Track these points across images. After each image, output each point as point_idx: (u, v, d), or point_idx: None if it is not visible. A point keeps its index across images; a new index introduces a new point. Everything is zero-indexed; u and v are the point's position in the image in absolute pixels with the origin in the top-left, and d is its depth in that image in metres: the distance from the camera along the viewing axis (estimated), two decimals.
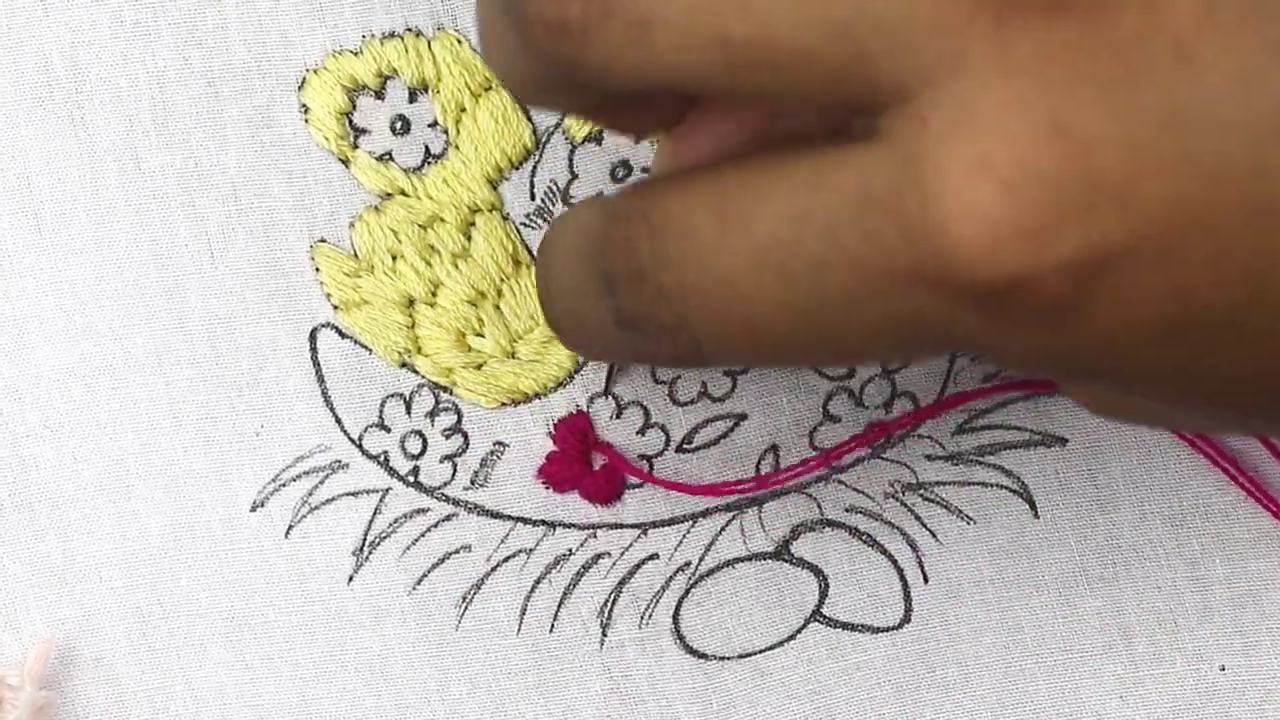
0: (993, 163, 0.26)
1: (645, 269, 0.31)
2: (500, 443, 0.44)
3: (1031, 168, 0.26)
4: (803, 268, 0.29)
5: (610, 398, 0.44)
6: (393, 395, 0.44)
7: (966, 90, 0.27)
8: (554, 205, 0.43)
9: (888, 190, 0.27)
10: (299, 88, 0.43)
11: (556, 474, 0.44)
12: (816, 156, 0.29)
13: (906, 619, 0.45)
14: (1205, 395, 0.29)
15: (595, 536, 0.44)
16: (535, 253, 0.42)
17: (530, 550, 0.44)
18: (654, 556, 0.44)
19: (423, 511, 0.44)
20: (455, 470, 0.44)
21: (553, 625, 0.44)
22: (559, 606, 0.44)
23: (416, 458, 0.44)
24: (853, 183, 0.28)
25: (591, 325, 0.34)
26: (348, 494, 0.44)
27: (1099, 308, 0.27)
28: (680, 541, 0.44)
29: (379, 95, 0.43)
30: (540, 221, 0.43)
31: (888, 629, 0.45)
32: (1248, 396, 0.29)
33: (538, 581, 0.44)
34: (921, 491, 0.44)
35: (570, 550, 0.44)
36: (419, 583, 0.44)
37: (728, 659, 0.44)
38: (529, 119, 0.43)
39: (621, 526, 0.44)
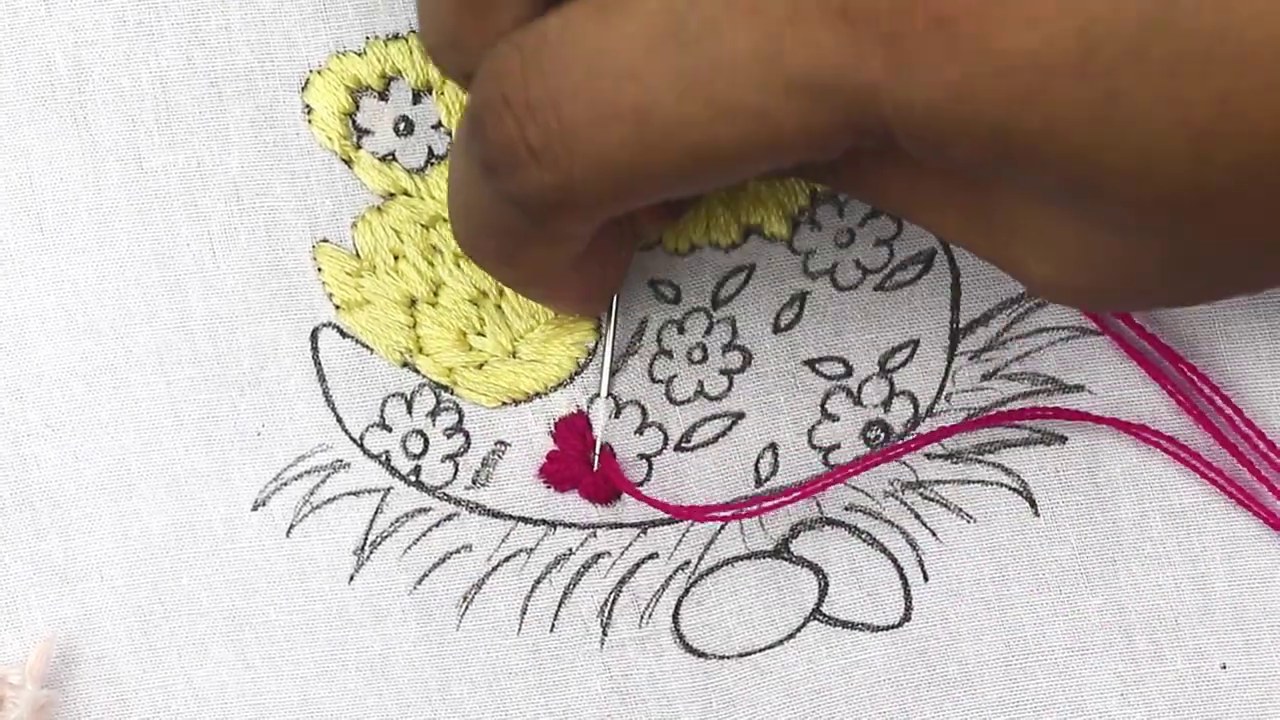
0: None
1: (510, 91, 0.30)
2: (501, 442, 0.44)
3: None
4: (695, 29, 0.28)
5: (610, 398, 0.44)
6: (394, 395, 0.44)
7: None
8: None
9: None
10: (302, 88, 0.43)
11: (557, 473, 0.44)
12: None
13: (906, 617, 0.44)
14: (1123, 156, 0.28)
15: (595, 536, 0.44)
16: None
17: (531, 550, 0.44)
18: (654, 555, 0.44)
19: (424, 511, 0.44)
20: (456, 470, 0.44)
21: (553, 625, 0.44)
22: (559, 606, 0.44)
23: (418, 457, 0.44)
24: None
25: (471, 200, 0.34)
26: (349, 493, 0.44)
27: (996, 29, 0.27)
28: (680, 540, 0.44)
29: (383, 96, 0.43)
30: None
31: (888, 627, 0.44)
32: (1166, 160, 0.28)
33: (538, 581, 0.44)
34: (921, 490, 0.44)
35: (570, 550, 0.44)
36: (420, 582, 0.44)
37: (727, 658, 0.44)
38: None
39: (621, 526, 0.44)
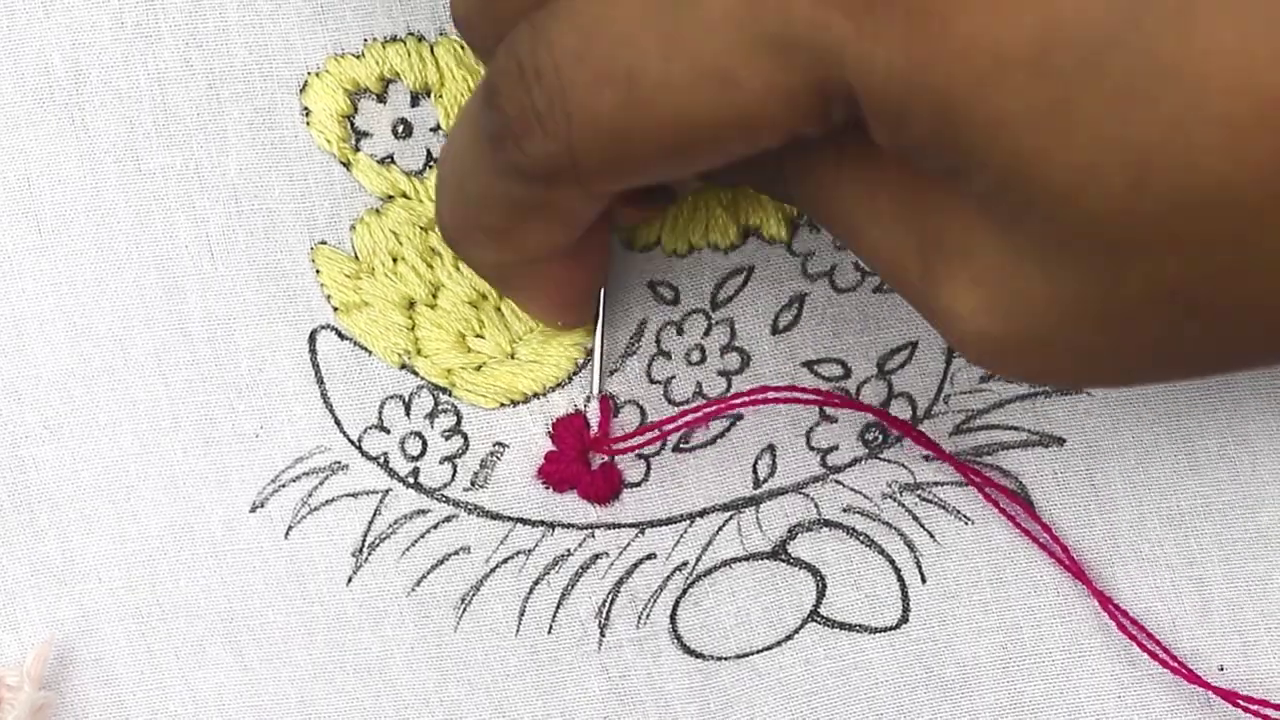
0: None
1: (523, 58, 0.32)
2: (500, 443, 0.44)
3: None
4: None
5: (609, 398, 0.44)
6: (392, 396, 0.44)
7: None
8: None
9: None
10: (300, 90, 0.43)
11: (555, 474, 0.44)
12: None
13: (904, 619, 0.44)
14: (1065, 164, 0.28)
15: (593, 536, 0.44)
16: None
17: (529, 551, 0.44)
18: (651, 556, 0.44)
19: (422, 513, 0.44)
20: (455, 471, 0.44)
21: (551, 626, 0.44)
22: (557, 607, 0.44)
23: (416, 459, 0.44)
24: None
25: (470, 178, 0.35)
26: (347, 495, 0.44)
27: (962, 11, 0.27)
28: (678, 541, 0.44)
29: (381, 99, 0.43)
30: None
31: (885, 629, 0.44)
32: (1107, 176, 0.28)
33: (536, 582, 0.44)
34: (919, 492, 0.44)
35: (569, 550, 0.44)
36: (418, 584, 0.44)
37: (725, 659, 0.44)
38: None
39: (619, 526, 0.44)
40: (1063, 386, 0.43)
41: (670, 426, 0.43)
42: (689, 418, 0.43)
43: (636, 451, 0.44)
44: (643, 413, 0.44)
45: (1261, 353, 0.31)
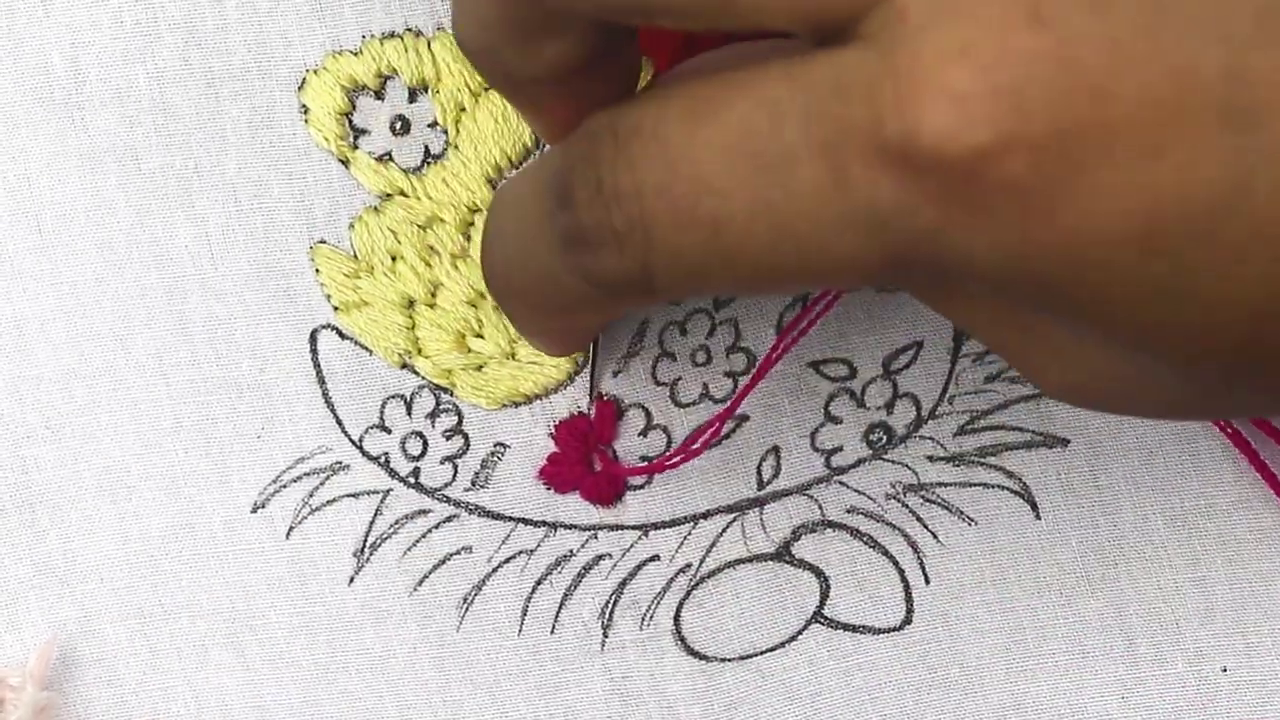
0: (970, 48, 0.26)
1: (604, 175, 0.31)
2: (501, 444, 0.44)
3: (1009, 51, 0.26)
4: (772, 156, 0.29)
5: (614, 401, 0.44)
6: (393, 396, 0.44)
7: None
8: None
9: (862, 79, 0.27)
10: (299, 88, 0.43)
11: (557, 475, 0.44)
12: (792, 57, 0.29)
13: (908, 620, 0.44)
14: (1178, 325, 0.28)
15: (596, 538, 0.44)
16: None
17: (531, 551, 0.44)
18: (655, 558, 0.44)
19: (424, 513, 0.44)
20: (456, 471, 0.44)
21: (554, 626, 0.44)
22: (560, 608, 0.44)
23: (417, 459, 0.44)
24: (828, 74, 0.28)
25: (534, 256, 0.34)
26: (348, 495, 0.44)
27: (1064, 202, 0.27)
28: (681, 543, 0.44)
29: (379, 95, 0.43)
30: None
31: (889, 630, 0.45)
32: (1223, 331, 0.28)
33: (539, 583, 0.44)
34: (923, 493, 0.44)
35: (571, 551, 0.44)
36: (420, 584, 0.44)
37: (729, 660, 0.44)
38: None
39: (622, 528, 0.44)
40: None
41: (696, 446, 0.44)
42: (704, 438, 0.43)
43: (640, 454, 0.44)
44: (648, 415, 0.44)
45: None
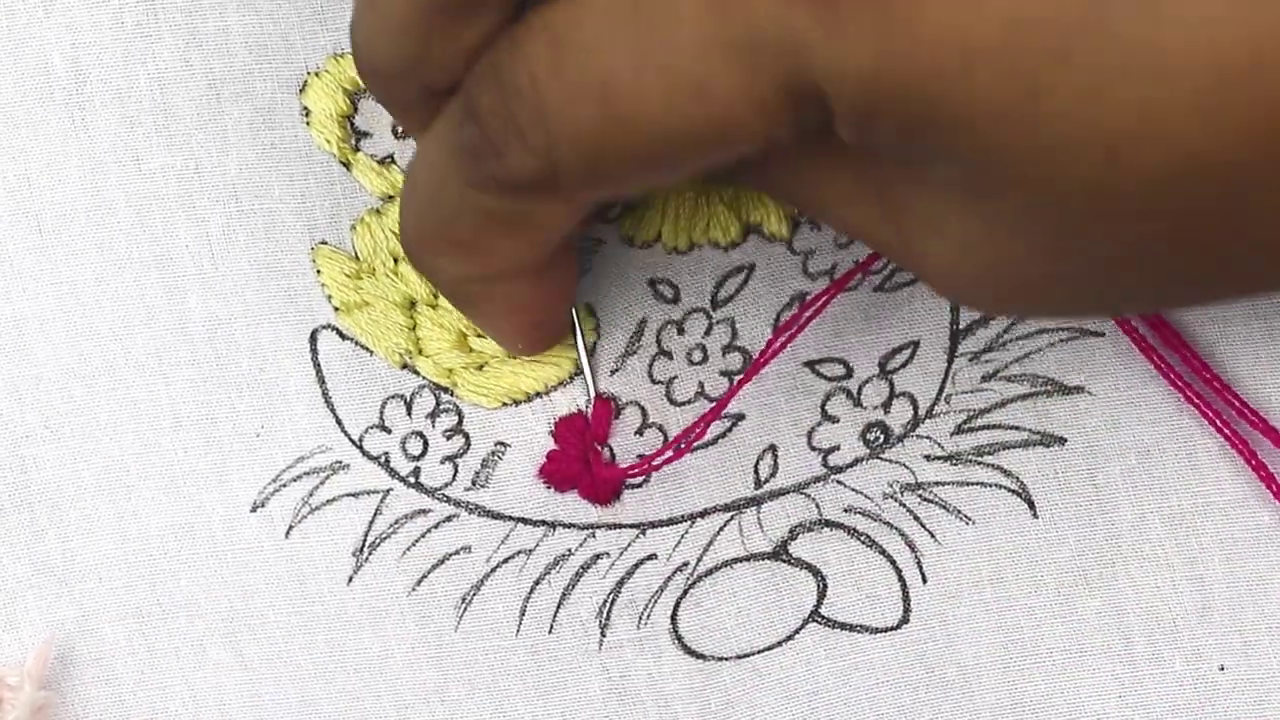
0: None
1: (503, 77, 0.32)
2: (501, 443, 0.44)
3: None
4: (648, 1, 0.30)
5: (611, 400, 0.44)
6: (393, 396, 0.44)
7: None
8: None
9: None
10: (300, 90, 0.43)
11: (557, 473, 0.44)
12: None
13: (905, 619, 0.44)
14: (1035, 156, 0.28)
15: (594, 537, 0.44)
16: None
17: (530, 551, 0.44)
18: (652, 557, 0.44)
19: (423, 512, 0.44)
20: (456, 471, 0.44)
21: (551, 626, 0.44)
22: (558, 607, 0.44)
23: (417, 459, 0.44)
24: None
25: (443, 189, 0.35)
26: (348, 495, 0.44)
27: (923, 8, 0.27)
28: (679, 542, 0.44)
29: None
30: None
31: (886, 629, 0.44)
32: (1076, 166, 0.28)
33: (537, 582, 0.44)
34: (920, 492, 0.44)
35: (569, 550, 0.44)
36: (419, 583, 0.44)
37: (726, 659, 0.44)
38: None
39: (620, 527, 0.44)
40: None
41: (685, 445, 0.44)
42: (691, 436, 0.44)
43: (638, 453, 0.44)
44: (644, 414, 0.44)
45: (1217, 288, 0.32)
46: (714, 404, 0.44)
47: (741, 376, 0.43)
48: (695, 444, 0.44)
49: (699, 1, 0.29)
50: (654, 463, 0.43)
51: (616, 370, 0.44)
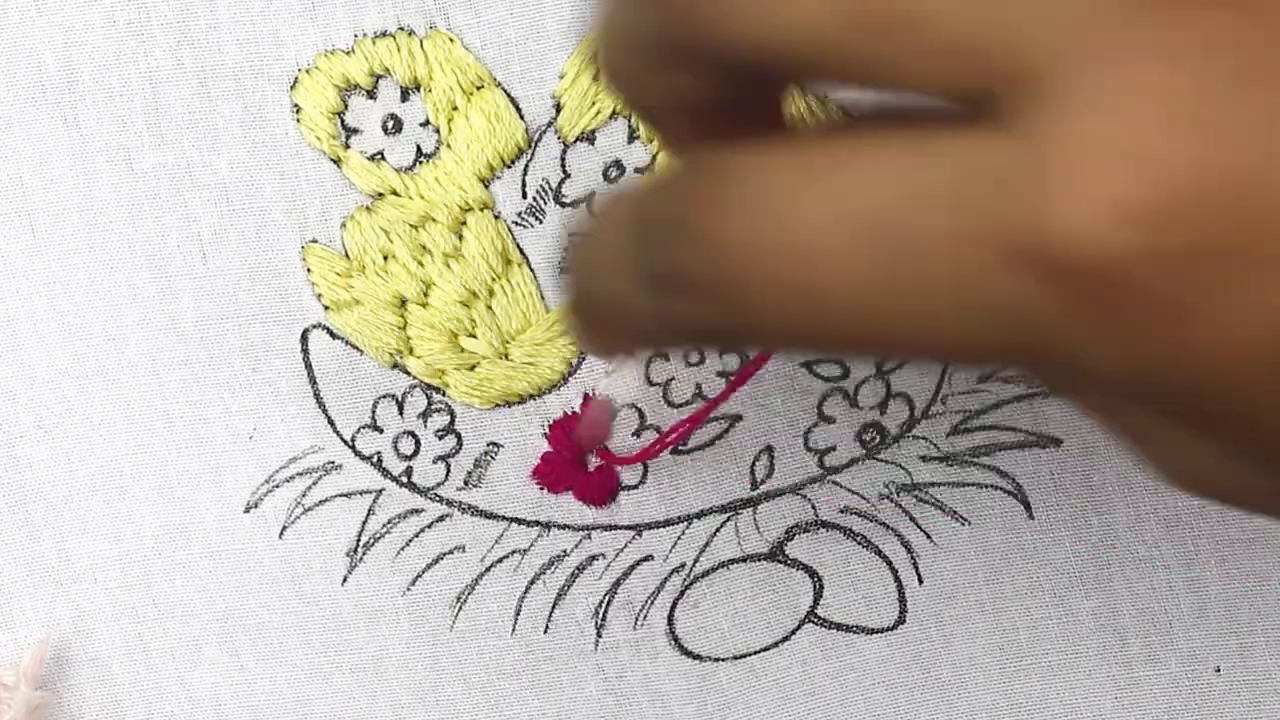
0: (1123, 143, 0.24)
1: (699, 221, 0.28)
2: (494, 443, 0.44)
3: (1164, 152, 0.24)
4: (906, 236, 0.26)
5: (603, 398, 0.44)
6: (385, 396, 0.44)
7: (1101, 74, 0.25)
8: (545, 204, 0.43)
9: (1003, 164, 0.25)
10: (291, 87, 0.43)
11: (551, 475, 0.44)
12: (923, 128, 0.27)
13: (901, 620, 0.44)
14: None
15: (590, 538, 0.44)
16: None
17: (525, 551, 0.44)
18: (649, 558, 0.44)
19: (416, 512, 0.44)
20: (449, 471, 0.44)
21: (547, 626, 0.44)
22: (553, 607, 0.44)
23: (409, 458, 0.44)
24: (965, 153, 0.26)
25: (620, 294, 0.31)
26: (341, 495, 0.44)
27: (1207, 316, 0.25)
28: (675, 543, 0.44)
29: (371, 95, 0.43)
30: (532, 220, 0.43)
31: (882, 630, 0.44)
32: None
33: (532, 582, 0.44)
34: (916, 493, 0.44)
35: (565, 551, 0.44)
36: (413, 583, 0.44)
37: (722, 660, 0.44)
38: (521, 117, 0.43)
39: (616, 528, 0.44)
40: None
41: (673, 437, 0.43)
42: (681, 431, 0.43)
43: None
44: (641, 415, 0.44)
45: None
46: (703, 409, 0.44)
47: (740, 371, 0.43)
48: (692, 446, 0.44)
49: (965, 258, 0.26)
50: (636, 453, 0.43)
51: (612, 372, 0.44)
